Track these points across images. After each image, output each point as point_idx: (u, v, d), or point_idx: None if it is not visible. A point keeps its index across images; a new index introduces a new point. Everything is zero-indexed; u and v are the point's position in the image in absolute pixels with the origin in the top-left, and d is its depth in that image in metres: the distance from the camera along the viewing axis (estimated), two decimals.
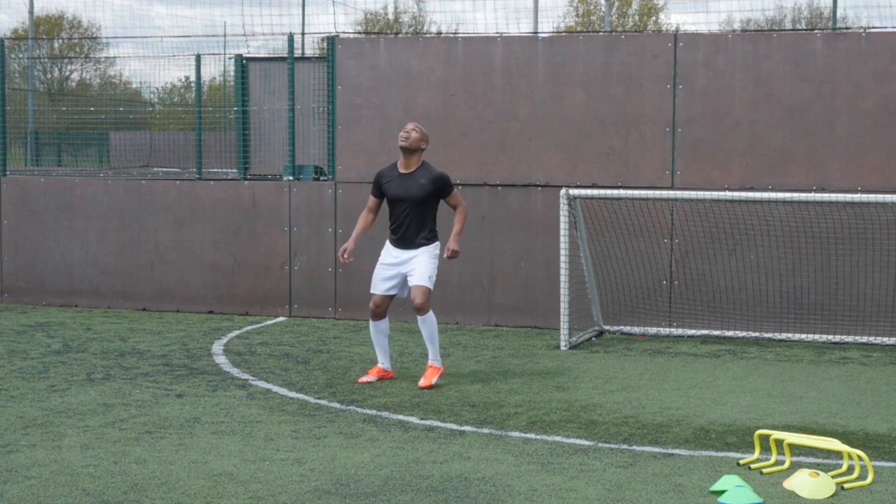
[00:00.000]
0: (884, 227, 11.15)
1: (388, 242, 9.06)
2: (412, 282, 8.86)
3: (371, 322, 9.07)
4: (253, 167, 13.66)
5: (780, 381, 9.30)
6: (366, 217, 9.17)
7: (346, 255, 9.01)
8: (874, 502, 5.83)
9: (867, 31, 11.69)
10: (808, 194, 10.72)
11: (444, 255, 8.94)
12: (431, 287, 8.88)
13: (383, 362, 9.14)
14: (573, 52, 12.11)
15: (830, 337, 11.23)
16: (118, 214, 13.39)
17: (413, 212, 8.87)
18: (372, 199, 9.14)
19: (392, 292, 9.02)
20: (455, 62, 12.39)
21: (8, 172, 14.18)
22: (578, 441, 7.10)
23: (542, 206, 11.95)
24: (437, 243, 8.99)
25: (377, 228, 12.61)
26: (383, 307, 9.00)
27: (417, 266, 8.85)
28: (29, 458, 6.50)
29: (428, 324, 8.88)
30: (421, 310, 8.80)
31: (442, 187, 8.90)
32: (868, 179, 11.35)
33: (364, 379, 9.07)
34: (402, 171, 8.95)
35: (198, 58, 15.83)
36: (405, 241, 8.92)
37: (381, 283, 9.01)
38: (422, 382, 8.86)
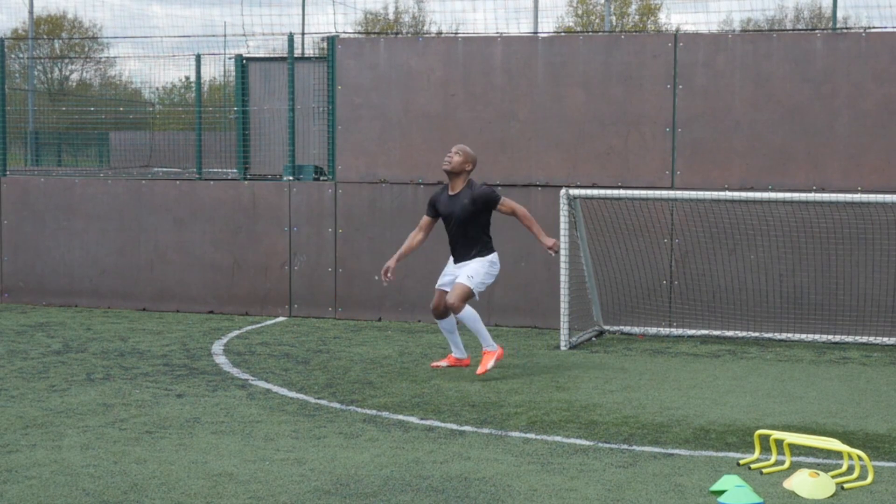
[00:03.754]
0: (884, 227, 11.15)
1: (450, 258, 9.33)
2: (455, 281, 9.07)
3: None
4: (253, 167, 13.66)
5: (780, 381, 9.30)
6: (414, 236, 9.36)
7: (387, 275, 9.25)
8: (874, 502, 5.83)
9: (867, 31, 11.69)
10: (808, 194, 10.73)
11: (551, 253, 9.14)
12: (472, 287, 8.98)
13: (455, 351, 9.46)
14: (573, 52, 12.11)
15: (830, 337, 11.23)
16: (118, 214, 13.39)
17: (460, 230, 9.07)
18: (425, 218, 9.34)
19: (446, 289, 9.19)
20: (455, 62, 12.39)
21: (8, 172, 14.18)
22: (578, 441, 7.10)
23: (542, 206, 11.93)
24: (493, 254, 9.16)
25: (377, 230, 12.65)
26: (440, 306, 9.18)
27: (464, 268, 9.06)
28: (29, 458, 6.50)
29: (464, 318, 9.00)
30: (453, 309, 8.95)
31: (484, 204, 9.04)
32: (868, 179, 11.35)
33: (437, 364, 9.51)
34: (450, 192, 9.16)
35: (198, 58, 15.82)
36: (459, 256, 9.15)
37: (441, 281, 9.26)
38: (478, 370, 9.12)
